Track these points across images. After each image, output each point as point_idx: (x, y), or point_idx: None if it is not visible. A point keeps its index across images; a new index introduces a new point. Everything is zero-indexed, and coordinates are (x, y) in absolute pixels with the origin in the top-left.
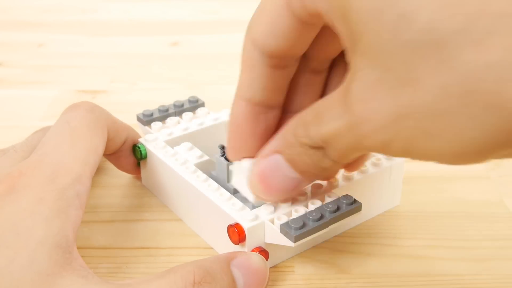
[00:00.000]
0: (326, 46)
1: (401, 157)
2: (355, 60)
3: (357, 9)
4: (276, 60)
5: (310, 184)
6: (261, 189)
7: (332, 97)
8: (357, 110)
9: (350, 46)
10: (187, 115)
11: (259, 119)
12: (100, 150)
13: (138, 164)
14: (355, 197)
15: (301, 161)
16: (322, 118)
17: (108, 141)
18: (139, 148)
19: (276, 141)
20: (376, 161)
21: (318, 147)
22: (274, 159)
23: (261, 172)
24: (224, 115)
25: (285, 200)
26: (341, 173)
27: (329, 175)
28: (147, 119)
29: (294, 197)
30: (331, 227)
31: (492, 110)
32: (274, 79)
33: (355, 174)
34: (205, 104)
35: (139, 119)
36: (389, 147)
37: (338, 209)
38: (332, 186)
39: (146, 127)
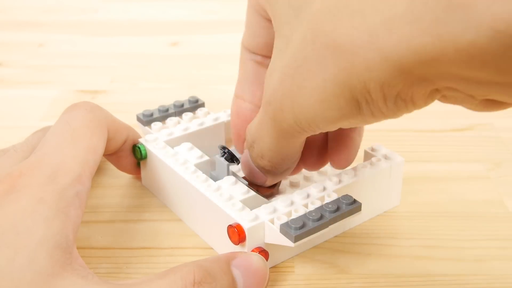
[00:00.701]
0: None
1: (298, 127)
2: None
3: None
4: (260, 58)
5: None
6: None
7: None
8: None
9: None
10: (187, 115)
11: (242, 110)
12: (100, 150)
13: (138, 164)
14: (355, 197)
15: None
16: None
17: (108, 141)
18: (139, 148)
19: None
20: (375, 161)
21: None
22: (245, 152)
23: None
24: (224, 115)
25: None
26: (341, 172)
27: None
28: (147, 119)
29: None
30: (331, 227)
31: (331, 50)
32: (261, 74)
33: (355, 174)
34: (205, 104)
35: (139, 119)
36: (282, 112)
37: (338, 209)
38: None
39: (146, 127)
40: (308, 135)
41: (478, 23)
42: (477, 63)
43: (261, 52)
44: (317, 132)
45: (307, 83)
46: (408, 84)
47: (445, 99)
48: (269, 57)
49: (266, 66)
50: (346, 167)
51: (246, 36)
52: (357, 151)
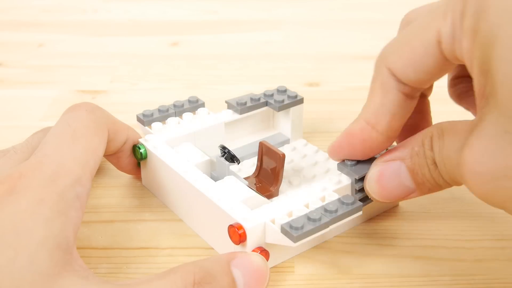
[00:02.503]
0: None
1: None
2: (484, 109)
3: (499, 70)
4: (409, 89)
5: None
6: (376, 189)
7: (461, 125)
8: (466, 156)
9: (482, 95)
10: (187, 115)
11: (370, 139)
12: (101, 151)
13: (139, 165)
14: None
15: (421, 172)
16: (444, 140)
17: (108, 142)
18: (139, 148)
19: (400, 150)
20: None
21: (435, 164)
22: (396, 165)
23: (381, 174)
24: (224, 115)
25: None
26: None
27: (439, 190)
28: (147, 119)
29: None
30: (331, 227)
31: None
32: (404, 107)
33: None
34: (205, 104)
35: (139, 119)
36: (486, 198)
37: (338, 209)
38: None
39: (146, 127)
40: None
41: None
42: None
43: (416, 85)
44: None
45: None
46: None
47: None
48: (420, 89)
49: (414, 98)
50: None
51: (406, 66)
52: None
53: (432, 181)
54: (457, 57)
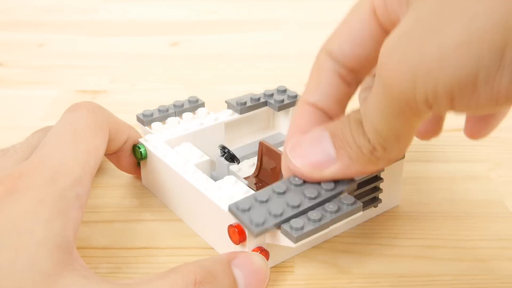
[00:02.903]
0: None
1: (447, 110)
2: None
3: None
4: (345, 71)
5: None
6: (295, 155)
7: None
8: (382, 48)
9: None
10: (187, 115)
11: (316, 120)
12: (101, 151)
13: (138, 164)
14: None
15: (342, 133)
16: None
17: (109, 141)
18: (139, 148)
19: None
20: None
21: (360, 121)
22: (318, 131)
23: (302, 140)
24: (224, 115)
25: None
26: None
27: (361, 159)
28: (147, 119)
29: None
30: (331, 227)
31: None
32: (338, 90)
33: None
34: (205, 104)
35: (139, 119)
36: (400, 82)
37: (338, 209)
38: None
39: (146, 127)
40: (426, 113)
41: None
42: None
43: (353, 62)
44: (433, 108)
45: (445, 26)
46: None
47: None
48: (357, 73)
49: (351, 85)
50: (482, 138)
51: (336, 39)
52: (497, 121)
53: (352, 140)
54: (392, 20)
